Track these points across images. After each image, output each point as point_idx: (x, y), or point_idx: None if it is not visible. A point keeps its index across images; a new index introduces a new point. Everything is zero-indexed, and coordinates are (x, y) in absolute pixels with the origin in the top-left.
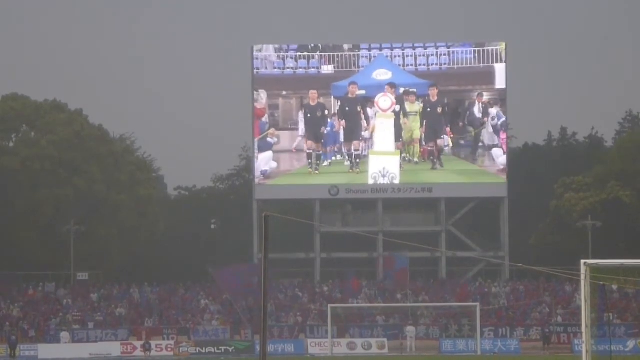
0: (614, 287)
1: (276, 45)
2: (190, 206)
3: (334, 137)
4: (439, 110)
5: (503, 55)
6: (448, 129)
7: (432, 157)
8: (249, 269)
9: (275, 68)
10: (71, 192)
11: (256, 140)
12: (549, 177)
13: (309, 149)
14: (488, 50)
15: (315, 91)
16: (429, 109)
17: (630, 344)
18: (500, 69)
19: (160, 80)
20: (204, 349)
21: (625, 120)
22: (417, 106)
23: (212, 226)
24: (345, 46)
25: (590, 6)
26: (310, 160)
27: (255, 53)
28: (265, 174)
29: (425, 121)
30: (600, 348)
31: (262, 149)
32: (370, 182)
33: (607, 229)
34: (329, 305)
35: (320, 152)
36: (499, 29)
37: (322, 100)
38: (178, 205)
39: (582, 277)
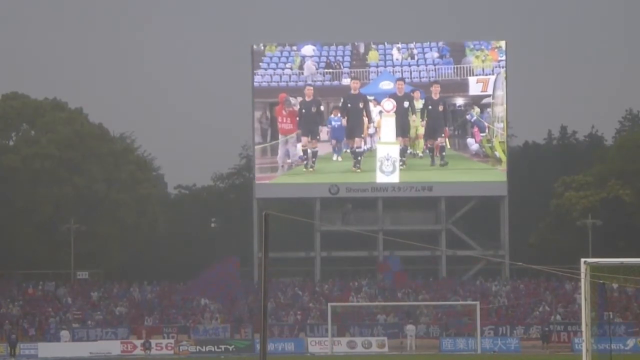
0: (614, 285)
1: (314, 63)
2: (191, 205)
3: (341, 132)
4: (440, 108)
5: (475, 70)
6: (447, 129)
7: (431, 154)
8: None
9: (316, 81)
10: (71, 191)
11: (297, 133)
12: (549, 176)
13: (303, 146)
14: (463, 67)
15: (311, 87)
16: (430, 107)
17: (630, 342)
18: (472, 80)
19: (160, 79)
20: (204, 347)
21: (625, 118)
22: (421, 103)
23: (212, 225)
24: (361, 47)
25: (590, 5)
26: (305, 156)
27: (295, 70)
28: (302, 158)
29: (427, 118)
30: (600, 347)
31: (298, 140)
32: (377, 164)
33: (607, 227)
34: (329, 304)
35: (316, 149)
36: (499, 28)
37: (319, 97)
38: (178, 204)
39: (582, 275)
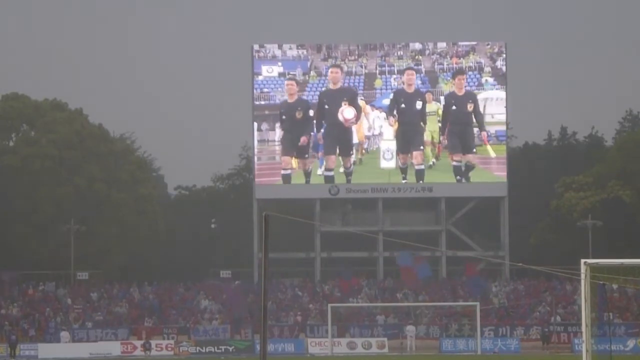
0: (614, 286)
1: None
2: (191, 205)
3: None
4: (469, 107)
5: (444, 92)
6: (484, 134)
7: (458, 167)
8: None
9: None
10: (71, 191)
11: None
12: (549, 177)
13: (284, 168)
14: (436, 90)
15: (292, 82)
16: (454, 107)
17: (630, 343)
18: (442, 99)
19: (160, 80)
20: (204, 348)
21: (625, 119)
22: (435, 106)
23: (212, 225)
24: (371, 75)
25: (590, 5)
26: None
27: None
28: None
29: (448, 123)
30: (600, 347)
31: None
32: (381, 154)
33: (607, 228)
34: (329, 305)
35: (309, 169)
36: (499, 28)
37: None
38: (178, 205)
39: (582, 276)
